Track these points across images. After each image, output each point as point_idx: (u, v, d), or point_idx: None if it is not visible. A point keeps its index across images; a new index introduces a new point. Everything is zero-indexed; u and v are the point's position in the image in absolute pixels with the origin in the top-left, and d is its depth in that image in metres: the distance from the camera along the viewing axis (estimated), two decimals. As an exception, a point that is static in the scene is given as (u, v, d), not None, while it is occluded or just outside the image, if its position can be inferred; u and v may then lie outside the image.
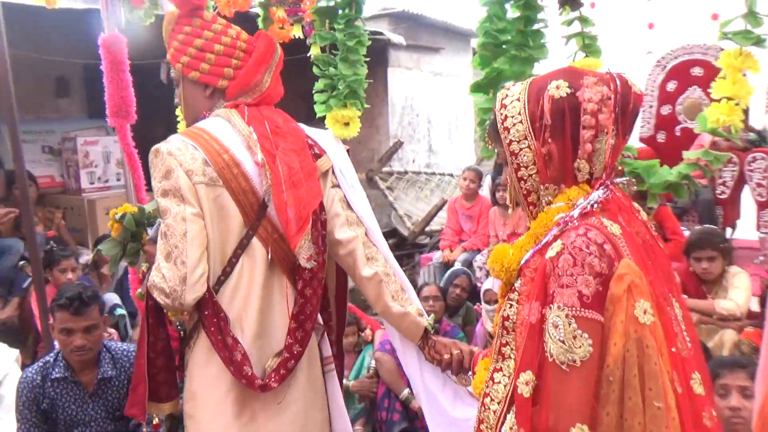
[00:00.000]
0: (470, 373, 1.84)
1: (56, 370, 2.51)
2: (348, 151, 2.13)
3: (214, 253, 1.74)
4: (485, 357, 1.57)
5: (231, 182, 1.73)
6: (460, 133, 8.72)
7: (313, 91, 2.31)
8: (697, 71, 5.32)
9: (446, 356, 1.91)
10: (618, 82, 1.30)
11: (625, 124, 1.32)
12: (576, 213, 1.26)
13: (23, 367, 2.81)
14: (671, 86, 5.45)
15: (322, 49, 2.39)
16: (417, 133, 7.83)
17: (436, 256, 5.23)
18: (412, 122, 7.79)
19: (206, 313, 1.73)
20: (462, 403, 2.00)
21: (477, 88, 2.19)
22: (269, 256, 1.78)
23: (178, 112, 2.63)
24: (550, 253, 1.22)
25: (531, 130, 1.31)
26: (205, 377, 1.79)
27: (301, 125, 1.98)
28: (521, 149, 1.33)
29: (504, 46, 2.13)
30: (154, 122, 4.08)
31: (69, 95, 6.10)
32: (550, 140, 1.29)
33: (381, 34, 6.95)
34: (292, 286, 1.83)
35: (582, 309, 1.17)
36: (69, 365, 2.49)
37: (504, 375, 1.34)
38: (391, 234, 6.91)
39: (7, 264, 4.39)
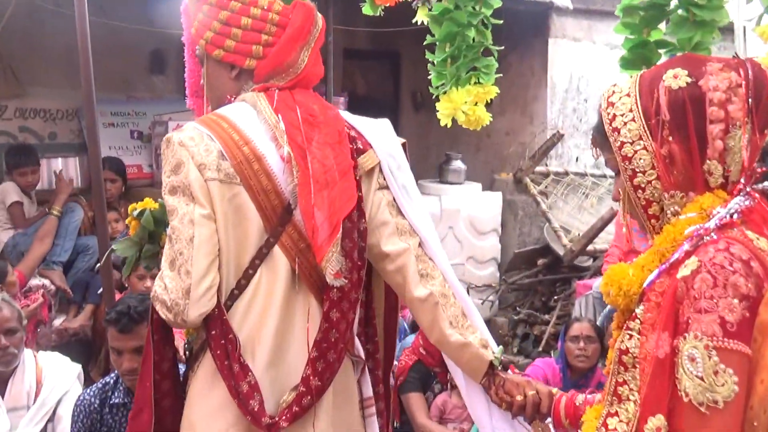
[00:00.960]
0: (549, 420, 1.89)
1: (116, 394, 2.70)
2: (404, 145, 2.10)
3: (227, 263, 1.78)
4: (596, 404, 1.58)
5: (250, 179, 1.78)
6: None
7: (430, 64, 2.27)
8: None
9: (518, 398, 1.90)
10: (749, 67, 1.32)
11: (762, 117, 1.32)
12: (712, 224, 1.28)
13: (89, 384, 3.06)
14: None
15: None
16: (583, 124, 7.58)
17: (597, 283, 5.04)
18: (577, 109, 7.54)
19: (213, 332, 1.78)
20: None
21: (627, 64, 2.08)
22: (296, 270, 1.82)
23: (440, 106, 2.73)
24: (684, 272, 1.24)
25: (646, 129, 1.34)
26: (206, 407, 1.83)
27: (346, 113, 2.01)
28: (636, 152, 1.35)
29: (666, 6, 2.00)
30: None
31: (164, 72, 6.58)
32: (670, 139, 1.32)
33: (540, -6, 6.84)
34: (319, 306, 1.86)
35: (725, 339, 1.18)
36: (130, 390, 2.67)
37: (621, 421, 1.35)
38: (542, 252, 6.75)
39: (83, 266, 4.81)
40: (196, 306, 1.71)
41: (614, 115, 1.39)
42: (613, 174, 1.49)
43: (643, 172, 1.37)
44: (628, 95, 1.38)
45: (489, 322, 6.69)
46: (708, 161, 1.33)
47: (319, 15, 1.99)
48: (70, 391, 2.99)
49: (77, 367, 3.18)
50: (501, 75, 2.55)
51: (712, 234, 1.27)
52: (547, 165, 7.11)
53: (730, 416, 1.18)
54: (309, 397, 1.81)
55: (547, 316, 6.31)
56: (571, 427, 1.83)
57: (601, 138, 1.44)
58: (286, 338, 1.84)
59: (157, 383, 1.89)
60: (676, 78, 1.34)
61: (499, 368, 1.99)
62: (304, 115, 1.86)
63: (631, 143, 1.37)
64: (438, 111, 2.34)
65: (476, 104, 2.28)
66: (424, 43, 2.31)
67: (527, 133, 7.40)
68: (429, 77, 2.32)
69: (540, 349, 5.93)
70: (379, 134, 2.04)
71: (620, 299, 1.38)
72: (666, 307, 1.26)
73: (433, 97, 2.42)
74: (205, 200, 1.74)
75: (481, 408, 2.03)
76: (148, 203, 2.21)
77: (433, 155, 8.41)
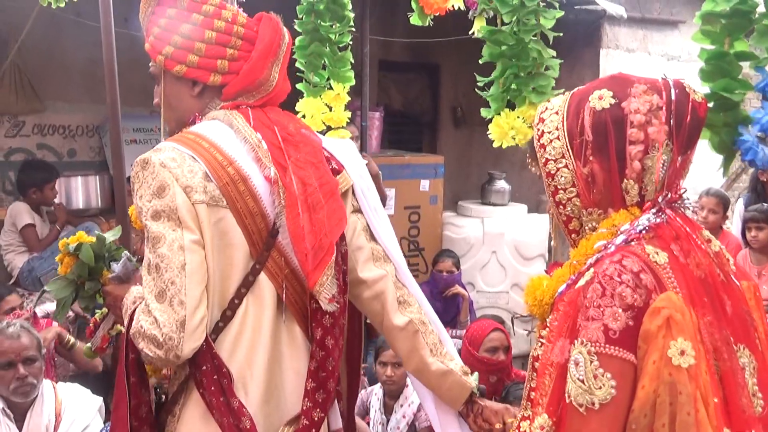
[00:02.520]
0: None
1: None
2: (366, 165, 2.14)
3: (212, 293, 1.77)
4: None
5: (237, 202, 1.78)
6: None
7: (480, 82, 2.30)
8: None
9: (498, 426, 2.02)
10: (673, 89, 1.46)
11: (682, 138, 1.46)
12: (619, 240, 1.42)
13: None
14: None
15: (489, 22, 2.39)
16: (638, 140, 7.55)
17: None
18: (631, 125, 7.52)
19: (204, 368, 1.76)
20: None
21: (705, 76, 2.06)
22: (283, 297, 1.84)
23: (299, 107, 2.78)
24: (581, 282, 1.40)
25: (569, 148, 1.49)
26: None
27: (316, 134, 2.02)
28: (558, 169, 1.51)
29: (750, 14, 1.97)
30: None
31: (190, 85, 6.68)
32: (592, 158, 1.46)
33: (592, 2, 6.82)
34: (303, 335, 1.90)
35: (606, 345, 1.33)
36: None
37: (535, 427, 1.46)
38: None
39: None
40: (191, 339, 1.70)
41: (542, 132, 1.53)
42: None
43: (564, 189, 1.52)
44: (557, 113, 1.52)
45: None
46: (626, 180, 1.46)
47: (285, 29, 2.00)
48: (91, 426, 3.02)
49: (98, 400, 3.22)
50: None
51: (612, 248, 1.41)
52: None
53: (606, 417, 1.32)
54: (313, 430, 1.87)
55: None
56: None
57: (532, 152, 1.58)
58: (276, 371, 1.86)
59: (134, 430, 1.86)
60: (601, 99, 1.47)
61: (477, 395, 2.09)
62: (282, 134, 1.89)
63: (555, 161, 1.51)
64: (487, 129, 2.34)
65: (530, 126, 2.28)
66: (480, 61, 2.32)
67: (577, 151, 7.37)
68: (470, 91, 2.33)
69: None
70: (349, 155, 2.09)
71: (536, 309, 1.56)
72: (568, 315, 1.41)
73: (483, 114, 2.43)
74: (193, 225, 1.73)
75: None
76: (83, 237, 2.16)
77: (474, 174, 8.41)
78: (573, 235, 1.57)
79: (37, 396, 3.10)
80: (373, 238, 2.07)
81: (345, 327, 2.01)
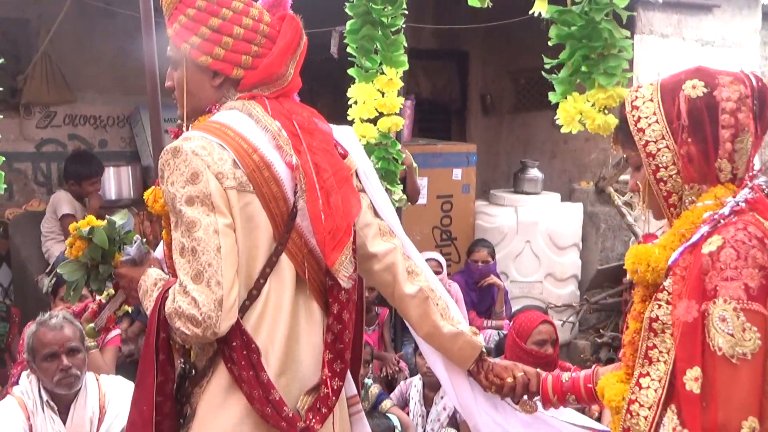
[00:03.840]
0: (536, 398, 2.20)
1: None
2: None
3: (241, 273, 1.89)
4: (613, 371, 1.93)
5: (262, 187, 1.90)
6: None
7: (547, 64, 2.22)
8: None
9: (509, 380, 2.19)
10: (753, 80, 1.70)
11: (763, 124, 1.70)
12: (726, 210, 1.63)
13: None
14: None
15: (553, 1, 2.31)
16: (672, 128, 7.43)
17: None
18: (665, 112, 7.40)
19: (234, 344, 1.88)
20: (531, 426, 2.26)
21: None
22: (306, 275, 1.97)
23: (350, 93, 2.71)
24: (709, 248, 1.59)
25: (668, 130, 1.70)
26: (223, 422, 1.93)
27: (326, 122, 2.13)
28: (659, 149, 1.71)
29: None
30: (317, 103, 4.27)
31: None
32: (689, 140, 1.67)
33: (625, -13, 6.71)
34: (321, 310, 2.05)
35: (749, 302, 1.54)
36: None
37: (653, 379, 1.69)
38: (622, 270, 6.59)
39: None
40: (228, 317, 1.80)
41: (639, 117, 1.73)
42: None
43: (665, 167, 1.71)
44: (651, 100, 1.73)
45: (569, 345, 6.58)
46: (719, 160, 1.68)
47: (303, 30, 2.09)
48: (122, 414, 2.98)
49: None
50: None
51: (732, 217, 1.61)
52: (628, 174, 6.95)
53: (756, 366, 1.54)
54: (334, 398, 1.99)
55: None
56: (559, 402, 2.17)
57: (624, 136, 1.78)
58: (294, 345, 1.98)
59: (159, 405, 1.96)
60: (695, 88, 1.69)
61: (485, 354, 2.25)
62: (298, 122, 2.00)
63: (655, 142, 1.71)
64: (559, 114, 2.27)
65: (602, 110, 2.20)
66: (549, 43, 2.25)
67: (609, 139, 7.26)
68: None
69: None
70: (351, 140, 2.23)
71: (649, 275, 1.70)
72: (692, 278, 1.59)
73: (550, 99, 2.35)
74: (226, 209, 1.84)
75: (466, 394, 2.26)
76: (93, 221, 2.24)
77: (503, 162, 8.34)
78: (672, 209, 1.74)
79: (80, 388, 3.07)
80: (377, 214, 2.21)
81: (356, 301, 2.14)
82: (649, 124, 1.71)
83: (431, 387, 4.03)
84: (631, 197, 6.83)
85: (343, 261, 1.98)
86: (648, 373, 1.70)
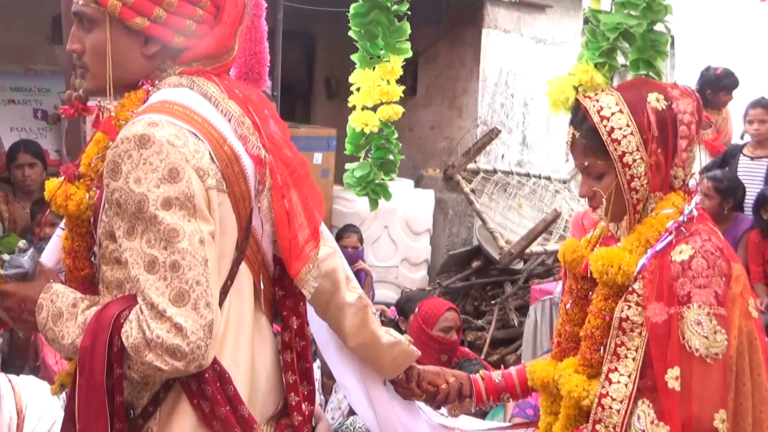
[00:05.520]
0: (467, 400, 2.19)
1: None
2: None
3: None
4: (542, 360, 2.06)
5: (234, 185, 1.62)
6: (560, 124, 8.67)
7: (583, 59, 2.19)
8: None
9: (444, 386, 2.17)
10: (694, 95, 1.88)
11: (698, 134, 1.88)
12: (684, 218, 1.79)
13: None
14: None
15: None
16: (510, 120, 7.80)
17: (559, 288, 5.18)
18: (505, 104, 7.75)
19: (207, 375, 1.59)
20: None
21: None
22: (260, 286, 1.74)
23: (353, 79, 2.61)
24: (681, 257, 1.74)
25: (642, 141, 1.80)
26: None
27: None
28: (635, 160, 1.80)
29: None
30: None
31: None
32: (658, 151, 1.80)
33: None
34: (269, 325, 1.80)
35: (718, 307, 1.71)
36: None
37: (622, 375, 1.79)
38: (472, 255, 6.87)
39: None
40: (215, 345, 1.52)
41: (612, 128, 1.80)
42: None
43: (639, 177, 1.81)
44: (621, 112, 1.81)
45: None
46: (675, 168, 1.83)
47: None
48: (58, 422, 2.71)
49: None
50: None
51: (692, 226, 1.78)
52: (476, 162, 7.24)
53: (724, 364, 1.70)
54: (309, 425, 1.81)
55: (480, 321, 6.41)
56: (494, 402, 2.21)
57: (592, 145, 1.84)
58: (256, 367, 1.75)
59: None
60: (658, 101, 1.81)
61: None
62: (253, 107, 1.73)
63: (631, 153, 1.80)
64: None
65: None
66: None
67: (455, 128, 7.53)
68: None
69: (482, 356, 6.02)
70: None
71: (619, 277, 1.80)
72: (660, 283, 1.74)
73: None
74: (208, 214, 1.55)
75: (385, 404, 2.16)
76: None
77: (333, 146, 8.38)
78: (636, 215, 1.85)
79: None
80: None
81: None
82: (624, 136, 1.79)
83: (329, 375, 4.00)
84: (476, 185, 7.14)
85: (311, 269, 1.72)
86: (617, 369, 1.79)
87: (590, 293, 1.95)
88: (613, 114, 1.81)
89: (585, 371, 1.88)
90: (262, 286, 1.74)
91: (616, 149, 1.80)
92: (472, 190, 7.05)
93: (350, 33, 2.52)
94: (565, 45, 8.63)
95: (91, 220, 1.69)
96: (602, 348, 1.85)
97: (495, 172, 7.36)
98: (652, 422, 1.73)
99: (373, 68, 2.48)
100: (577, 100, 1.93)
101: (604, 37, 1.93)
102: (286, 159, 1.72)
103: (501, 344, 6.13)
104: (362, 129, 2.67)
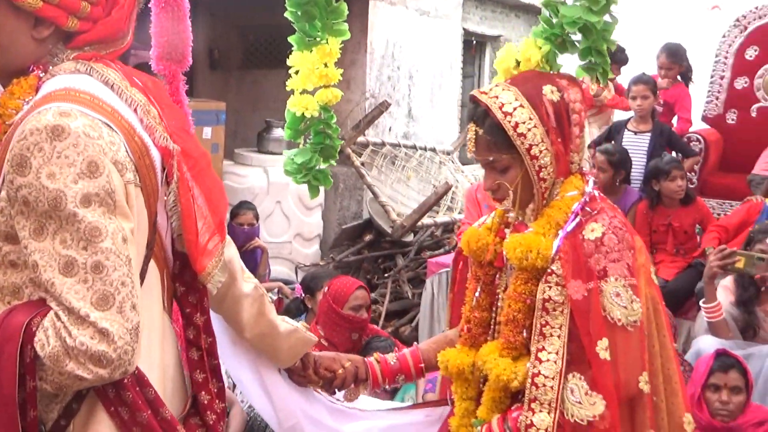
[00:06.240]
0: (363, 384, 2.23)
1: None
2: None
3: None
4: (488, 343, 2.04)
5: (146, 179, 1.53)
6: (444, 96, 8.80)
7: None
8: (787, 37, 5.64)
9: (340, 371, 2.20)
10: (580, 83, 2.00)
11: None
12: (587, 199, 1.91)
13: None
14: (751, 54, 5.76)
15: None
16: (397, 92, 7.83)
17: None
18: (392, 77, 7.77)
19: (126, 381, 1.51)
20: (347, 419, 2.25)
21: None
22: (165, 284, 1.67)
23: (291, 62, 2.48)
24: (594, 234, 1.86)
25: (545, 132, 1.88)
26: None
27: None
28: (541, 151, 1.89)
29: None
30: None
31: None
32: (558, 140, 1.90)
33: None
34: (170, 322, 1.73)
35: (631, 277, 1.83)
36: None
37: (550, 353, 1.85)
38: (363, 228, 6.89)
39: None
40: (139, 349, 1.44)
41: (516, 123, 1.87)
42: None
43: (545, 167, 1.90)
44: (522, 106, 1.88)
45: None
46: (571, 153, 1.94)
47: None
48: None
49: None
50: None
51: (596, 206, 1.90)
52: (365, 135, 7.23)
53: (641, 330, 1.84)
54: (222, 421, 1.76)
55: (373, 294, 6.46)
56: (389, 384, 2.26)
57: (497, 141, 1.90)
58: (165, 368, 1.68)
59: None
60: (552, 93, 1.91)
61: None
62: (153, 95, 1.64)
63: (537, 145, 1.88)
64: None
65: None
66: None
67: (343, 100, 7.39)
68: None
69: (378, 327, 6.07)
70: None
71: (539, 261, 1.88)
72: (575, 261, 1.84)
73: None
74: (128, 210, 1.46)
75: (282, 393, 2.15)
76: None
77: (231, 120, 8.17)
78: (543, 201, 1.94)
79: None
80: None
81: None
82: (529, 129, 1.87)
83: None
84: (366, 158, 7.13)
85: (217, 264, 1.65)
86: (544, 348, 1.85)
87: (497, 278, 2.03)
88: (515, 109, 1.88)
89: (509, 354, 1.93)
90: (166, 284, 1.66)
91: (523, 143, 1.87)
92: (362, 164, 7.04)
93: (286, 14, 2.43)
94: (448, 18, 8.75)
95: None
96: (524, 330, 1.91)
97: (383, 144, 7.38)
98: (586, 393, 1.81)
99: (311, 51, 2.40)
100: (475, 96, 1.96)
101: (561, 28, 1.94)
102: (189, 150, 1.61)
103: (395, 316, 6.20)
104: (302, 113, 2.58)
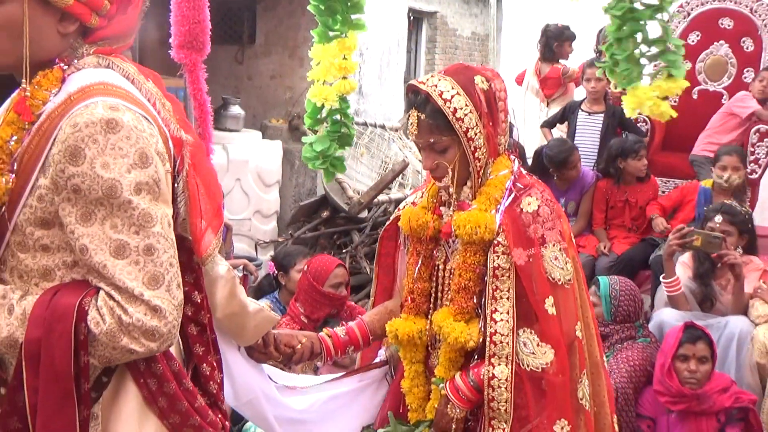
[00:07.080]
0: (319, 355, 2.37)
1: None
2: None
3: None
4: (439, 312, 2.24)
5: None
6: (391, 73, 8.90)
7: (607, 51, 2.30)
8: (726, 23, 5.92)
9: (299, 346, 2.33)
10: (500, 75, 2.22)
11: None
12: (516, 176, 2.17)
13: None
14: (693, 38, 6.04)
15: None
16: (348, 69, 7.89)
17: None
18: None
19: (159, 354, 1.62)
20: (293, 394, 2.37)
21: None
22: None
23: (312, 54, 2.55)
24: (531, 207, 2.12)
25: (479, 117, 2.10)
26: None
27: None
28: (476, 134, 2.11)
29: None
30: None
31: None
32: (490, 124, 2.12)
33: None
34: None
35: (563, 242, 2.11)
36: None
37: (502, 313, 2.10)
38: (319, 204, 6.96)
39: None
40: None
41: (455, 109, 2.07)
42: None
43: (480, 148, 2.12)
44: (459, 94, 2.08)
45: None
46: (499, 136, 2.16)
47: None
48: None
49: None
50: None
51: (526, 182, 2.16)
52: (319, 112, 7.29)
53: (574, 287, 2.13)
54: (220, 374, 1.87)
55: (331, 270, 6.56)
56: (341, 356, 2.43)
57: (439, 125, 2.09)
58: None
59: None
60: (483, 82, 2.12)
61: None
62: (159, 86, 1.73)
63: (473, 128, 2.09)
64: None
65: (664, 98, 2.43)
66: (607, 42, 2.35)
67: (296, 77, 7.50)
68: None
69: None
70: None
71: (487, 235, 2.10)
72: (516, 232, 2.08)
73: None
74: (169, 198, 1.60)
75: (243, 369, 2.22)
76: None
77: (181, 97, 8.10)
78: (479, 179, 2.17)
79: None
80: None
81: None
82: (466, 114, 2.08)
83: None
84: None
85: (216, 246, 1.75)
86: (497, 309, 2.10)
87: (434, 252, 2.26)
88: (452, 96, 2.08)
89: (462, 318, 2.16)
90: None
91: (461, 126, 2.08)
92: (318, 141, 7.11)
93: (309, 8, 2.49)
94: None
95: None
96: (475, 296, 2.16)
97: (337, 122, 7.45)
98: (537, 344, 2.08)
99: (331, 43, 2.47)
100: (414, 85, 2.15)
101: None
102: (189, 140, 1.70)
103: (353, 291, 6.33)
104: (322, 104, 2.67)
